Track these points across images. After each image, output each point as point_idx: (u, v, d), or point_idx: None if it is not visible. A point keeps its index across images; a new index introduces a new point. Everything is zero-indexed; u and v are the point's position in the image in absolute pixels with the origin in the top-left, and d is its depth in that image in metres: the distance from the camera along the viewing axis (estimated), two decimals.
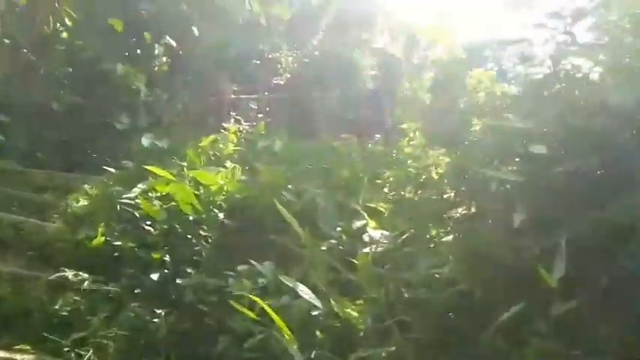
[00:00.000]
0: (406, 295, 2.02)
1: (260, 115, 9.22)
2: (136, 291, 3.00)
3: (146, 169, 3.50)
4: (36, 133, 6.34)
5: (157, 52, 8.23)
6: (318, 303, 2.01)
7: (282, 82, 10.07)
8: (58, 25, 7.50)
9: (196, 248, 3.33)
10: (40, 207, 4.16)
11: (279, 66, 10.16)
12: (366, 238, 2.72)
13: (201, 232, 3.40)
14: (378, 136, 5.99)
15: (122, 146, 6.37)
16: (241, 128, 8.16)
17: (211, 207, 3.68)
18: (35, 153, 6.12)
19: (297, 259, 3.03)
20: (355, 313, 2.01)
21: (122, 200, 3.50)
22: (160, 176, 3.46)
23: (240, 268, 2.95)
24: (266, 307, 1.80)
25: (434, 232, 2.43)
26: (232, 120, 8.57)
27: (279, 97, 9.60)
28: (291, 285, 2.10)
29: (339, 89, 9.66)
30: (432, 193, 2.81)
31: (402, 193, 3.04)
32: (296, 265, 2.92)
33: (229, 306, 2.69)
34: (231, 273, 2.91)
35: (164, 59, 8.42)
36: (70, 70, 7.07)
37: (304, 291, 2.05)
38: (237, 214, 3.61)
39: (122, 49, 7.56)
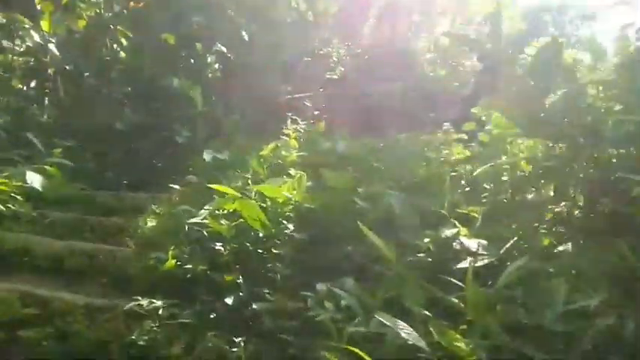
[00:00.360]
0: (528, 324, 1.71)
1: (316, 113, 9.03)
2: (211, 316, 2.86)
3: (211, 187, 3.35)
4: (102, 154, 6.46)
5: (209, 60, 8.25)
6: (423, 344, 1.73)
7: (335, 77, 9.81)
8: (115, 46, 7.67)
9: (269, 265, 3.14)
10: (111, 230, 4.14)
11: (331, 61, 9.92)
12: (456, 247, 2.41)
13: (273, 249, 3.21)
14: (448, 124, 5.58)
15: (184, 159, 6.38)
16: (299, 129, 8.04)
17: (280, 219, 3.49)
18: (103, 174, 6.22)
19: (379, 273, 2.78)
20: (463, 345, 1.72)
21: (191, 220, 3.37)
22: (225, 193, 3.31)
23: (318, 287, 2.73)
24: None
25: (546, 241, 2.08)
26: (289, 121, 8.45)
27: (334, 93, 9.35)
28: (389, 324, 1.83)
29: (396, 78, 9.27)
30: (532, 193, 2.45)
31: (497, 193, 2.68)
32: (379, 282, 2.67)
33: (312, 331, 2.49)
34: (309, 293, 2.69)
35: (216, 66, 8.43)
36: (130, 89, 7.16)
37: (405, 329, 1.78)
38: (306, 226, 3.40)
39: (176, 63, 7.61)
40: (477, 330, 1.76)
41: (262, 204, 3.56)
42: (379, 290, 2.40)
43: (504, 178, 2.66)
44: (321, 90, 9.41)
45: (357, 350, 1.58)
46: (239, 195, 3.20)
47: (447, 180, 3.26)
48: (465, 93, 8.39)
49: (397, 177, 3.91)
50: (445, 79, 9.23)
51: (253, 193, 3.66)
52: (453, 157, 4.00)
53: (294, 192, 3.39)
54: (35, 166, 4.44)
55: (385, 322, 1.84)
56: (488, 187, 3.23)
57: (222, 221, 3.30)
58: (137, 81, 7.28)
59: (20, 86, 7.37)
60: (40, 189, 4.13)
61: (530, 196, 2.46)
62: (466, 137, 5.02)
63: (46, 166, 4.52)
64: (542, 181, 2.42)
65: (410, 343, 1.94)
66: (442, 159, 4.05)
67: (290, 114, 8.58)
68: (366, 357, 1.55)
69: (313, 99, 9.08)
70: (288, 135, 5.85)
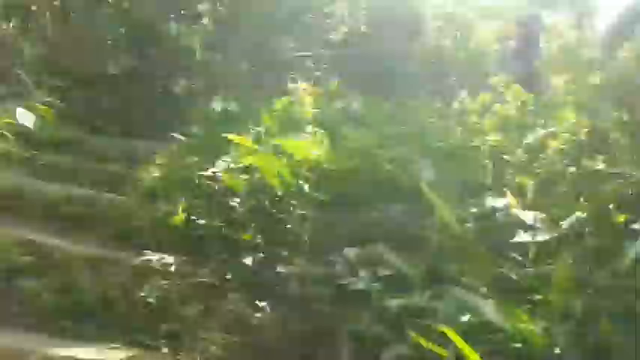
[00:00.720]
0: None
1: (317, 73, 8.69)
2: (228, 276, 2.64)
3: (228, 139, 3.08)
4: (93, 98, 6.06)
5: (200, 10, 7.83)
6: (506, 325, 1.53)
7: (339, 37, 9.41)
8: None
9: (288, 226, 2.92)
10: (108, 179, 3.85)
11: (335, 20, 9.49)
12: (507, 220, 2.22)
13: (293, 209, 2.98)
14: (464, 92, 5.35)
15: (182, 109, 6.07)
16: (302, 88, 7.71)
17: (296, 179, 3.26)
18: (93, 119, 5.84)
19: (414, 242, 2.59)
20: (534, 327, 1.55)
21: (202, 173, 3.11)
22: (241, 146, 3.04)
23: (346, 251, 2.53)
24: (461, 344, 1.34)
25: (620, 218, 1.90)
26: (289, 80, 8.13)
27: (337, 54, 8.97)
28: (478, 304, 1.63)
29: (401, 43, 8.94)
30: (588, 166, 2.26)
31: (548, 164, 2.47)
32: (414, 251, 2.48)
33: (343, 300, 2.31)
34: (338, 259, 2.49)
35: (206, 19, 8.00)
36: (123, 31, 6.70)
37: (487, 306, 1.57)
38: (326, 187, 3.17)
39: (170, 9, 7.18)
40: (556, 313, 1.59)
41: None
42: (415, 259, 2.22)
43: (561, 146, 2.46)
44: (323, 50, 9.02)
45: (449, 331, 1.38)
46: (258, 148, 2.94)
47: (486, 148, 3.07)
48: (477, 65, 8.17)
49: (418, 143, 3.70)
50: (450, 50, 8.94)
51: (269, 149, 3.41)
52: (481, 126, 3.78)
53: (321, 151, 3.14)
54: (26, 104, 4.07)
55: (466, 298, 1.64)
56: (520, 159, 3.03)
57: (238, 175, 3.05)
58: (131, 24, 6.82)
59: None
60: (33, 128, 3.78)
61: (588, 168, 2.28)
62: (481, 109, 4.85)
63: (38, 105, 4.15)
64: (602, 154, 2.24)
65: (463, 320, 1.77)
66: (466, 127, 3.83)
67: (291, 73, 8.24)
68: (458, 339, 1.35)
69: (315, 58, 8.70)
70: (294, 92, 5.55)
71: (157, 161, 3.92)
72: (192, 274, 2.65)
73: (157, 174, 3.65)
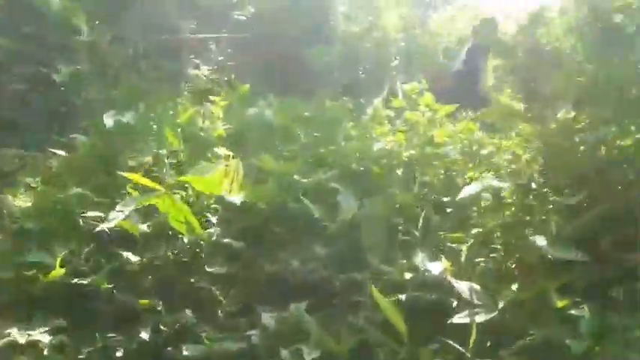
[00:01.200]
0: None
1: (221, 58, 8.05)
2: (118, 354, 2.18)
3: (126, 177, 2.53)
4: None
5: None
6: None
7: (244, 18, 8.76)
8: None
9: (193, 280, 2.50)
10: None
11: None
12: (436, 287, 1.99)
13: (200, 257, 2.56)
14: (380, 98, 5.12)
15: (62, 102, 5.27)
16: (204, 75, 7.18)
17: (204, 213, 2.83)
18: None
19: (341, 302, 2.31)
20: None
21: (87, 214, 2.57)
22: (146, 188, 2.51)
23: (265, 318, 2.18)
24: None
25: (560, 303, 1.67)
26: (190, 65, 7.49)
27: (242, 37, 8.35)
28: None
29: (310, 27, 8.51)
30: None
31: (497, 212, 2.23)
32: (342, 315, 2.20)
33: None
34: (253, 332, 2.14)
35: None
36: None
37: None
38: (240, 229, 2.77)
39: None
40: None
41: (182, 192, 2.86)
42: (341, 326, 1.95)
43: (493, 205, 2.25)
44: (225, 33, 8.33)
45: None
46: (162, 190, 2.45)
47: (414, 185, 2.83)
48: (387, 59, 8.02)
49: (336, 161, 3.39)
50: (359, 38, 8.68)
51: (170, 176, 2.93)
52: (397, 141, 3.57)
53: (232, 185, 2.71)
54: None
55: None
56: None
57: (135, 219, 2.55)
58: None
59: None
60: None
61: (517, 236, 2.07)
62: (393, 114, 4.69)
63: None
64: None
65: None
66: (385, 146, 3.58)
67: (192, 57, 7.53)
68: None
69: (219, 41, 8.04)
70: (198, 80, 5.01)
71: (31, 184, 3.26)
72: (74, 352, 2.15)
73: (27, 203, 3.01)
